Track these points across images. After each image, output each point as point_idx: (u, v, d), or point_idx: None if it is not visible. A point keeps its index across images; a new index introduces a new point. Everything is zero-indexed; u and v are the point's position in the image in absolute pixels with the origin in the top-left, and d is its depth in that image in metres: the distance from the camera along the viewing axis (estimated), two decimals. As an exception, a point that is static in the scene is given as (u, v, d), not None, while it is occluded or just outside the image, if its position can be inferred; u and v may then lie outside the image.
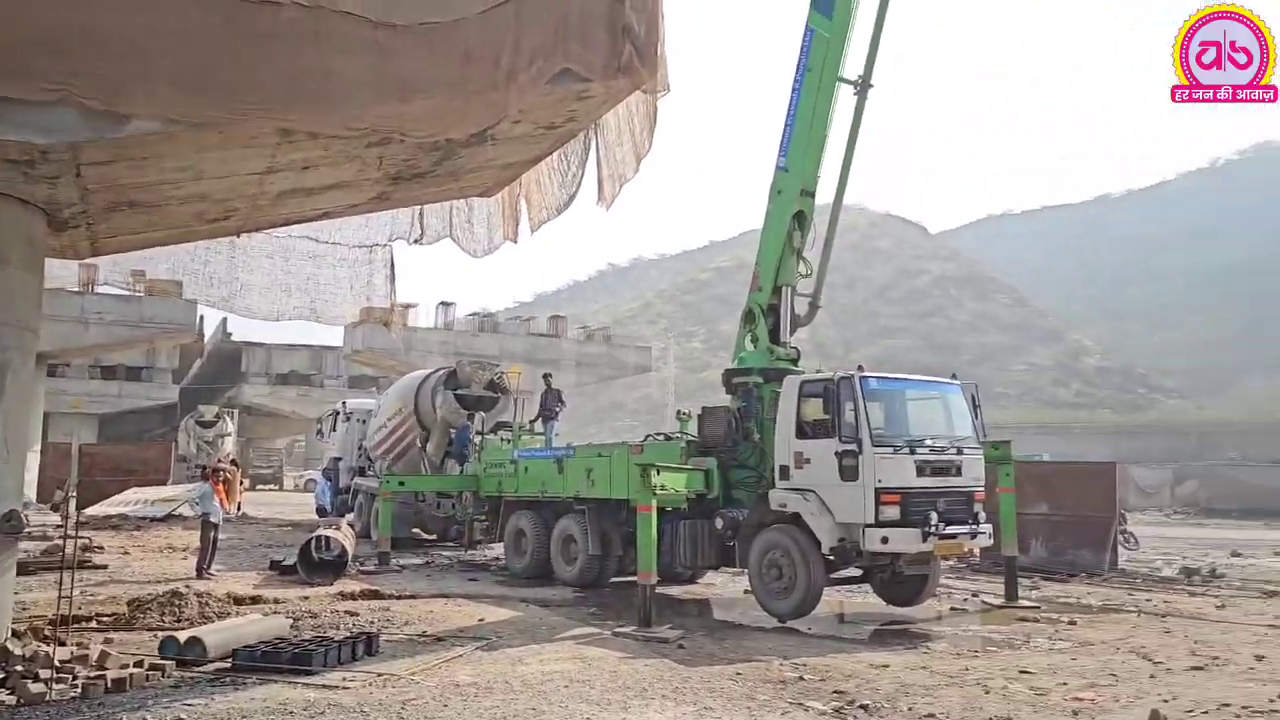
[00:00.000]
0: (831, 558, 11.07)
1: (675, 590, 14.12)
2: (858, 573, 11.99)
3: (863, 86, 13.36)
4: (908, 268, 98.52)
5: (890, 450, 10.93)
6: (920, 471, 11.09)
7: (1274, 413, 55.26)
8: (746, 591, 12.53)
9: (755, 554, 11.68)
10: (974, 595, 13.57)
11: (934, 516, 10.86)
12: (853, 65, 13.31)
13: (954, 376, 12.75)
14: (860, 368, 11.58)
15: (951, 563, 14.47)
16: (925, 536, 10.80)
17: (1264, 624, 11.19)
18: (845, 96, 13.32)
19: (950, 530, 11.07)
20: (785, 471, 11.66)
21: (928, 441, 11.39)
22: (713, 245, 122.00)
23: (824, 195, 13.56)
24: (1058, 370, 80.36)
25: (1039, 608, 12.35)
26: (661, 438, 14.37)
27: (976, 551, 12.73)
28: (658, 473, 11.31)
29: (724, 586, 14.82)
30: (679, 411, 15.47)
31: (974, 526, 11.49)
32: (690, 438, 13.64)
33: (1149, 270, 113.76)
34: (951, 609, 12.61)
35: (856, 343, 76.60)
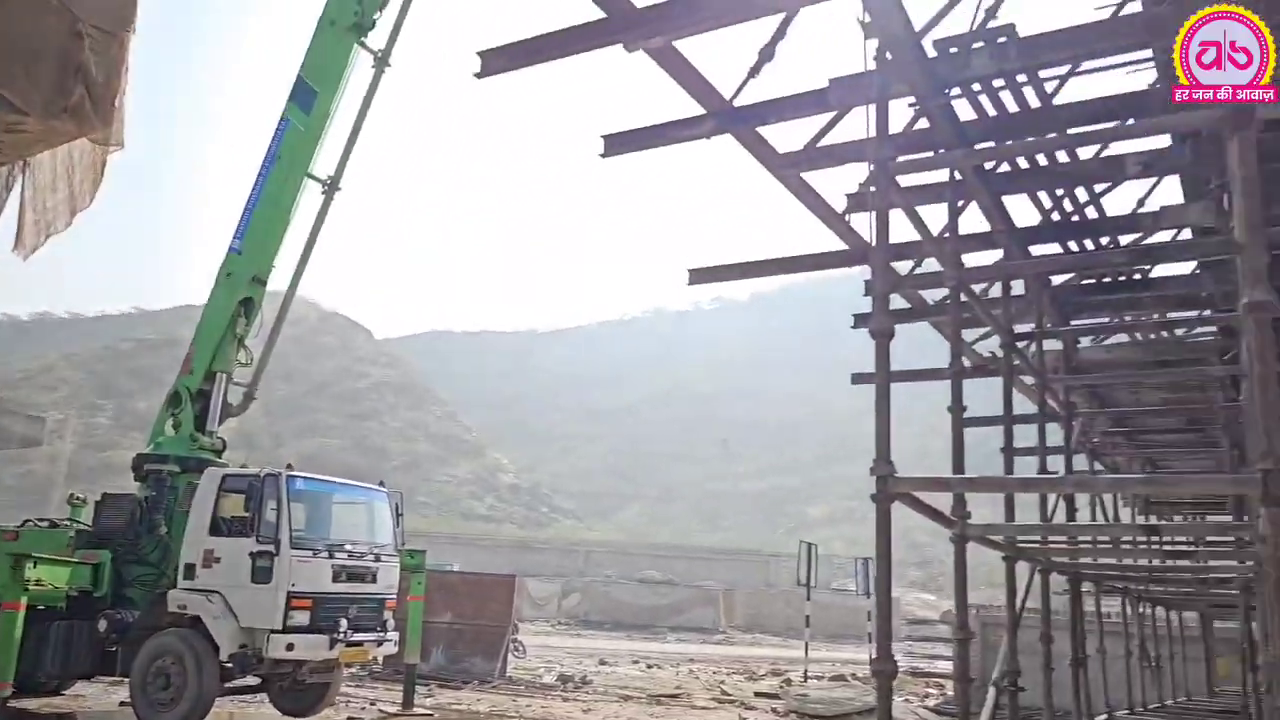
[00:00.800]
0: (229, 665, 10.45)
1: (33, 703, 12.13)
2: (256, 681, 11.43)
3: (331, 187, 13.53)
4: (350, 369, 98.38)
5: (309, 553, 10.79)
6: (336, 577, 11.08)
7: (645, 536, 64.20)
8: (124, 703, 11.25)
9: (142, 660, 10.60)
10: (371, 704, 13.62)
11: (344, 623, 10.86)
12: (325, 164, 13.46)
13: (382, 483, 13.05)
14: (289, 466, 11.36)
15: (354, 669, 14.42)
16: (333, 643, 10.74)
17: (619, 725, 12.80)
18: (313, 192, 13.39)
19: (358, 637, 11.13)
20: (191, 570, 10.87)
21: (348, 546, 11.44)
22: (140, 314, 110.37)
23: (274, 283, 13.33)
24: (476, 484, 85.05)
25: (432, 715, 12.78)
26: (45, 524, 12.53)
27: (380, 659, 12.87)
28: (34, 564, 9.85)
29: (96, 698, 13.11)
30: (72, 495, 13.64)
31: (382, 634, 11.69)
32: (83, 526, 12.11)
33: (561, 402, 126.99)
34: (349, 718, 12.52)
35: (287, 437, 73.91)
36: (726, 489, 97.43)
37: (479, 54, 5.37)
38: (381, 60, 13.71)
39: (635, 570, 48.92)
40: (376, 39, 13.63)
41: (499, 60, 5.32)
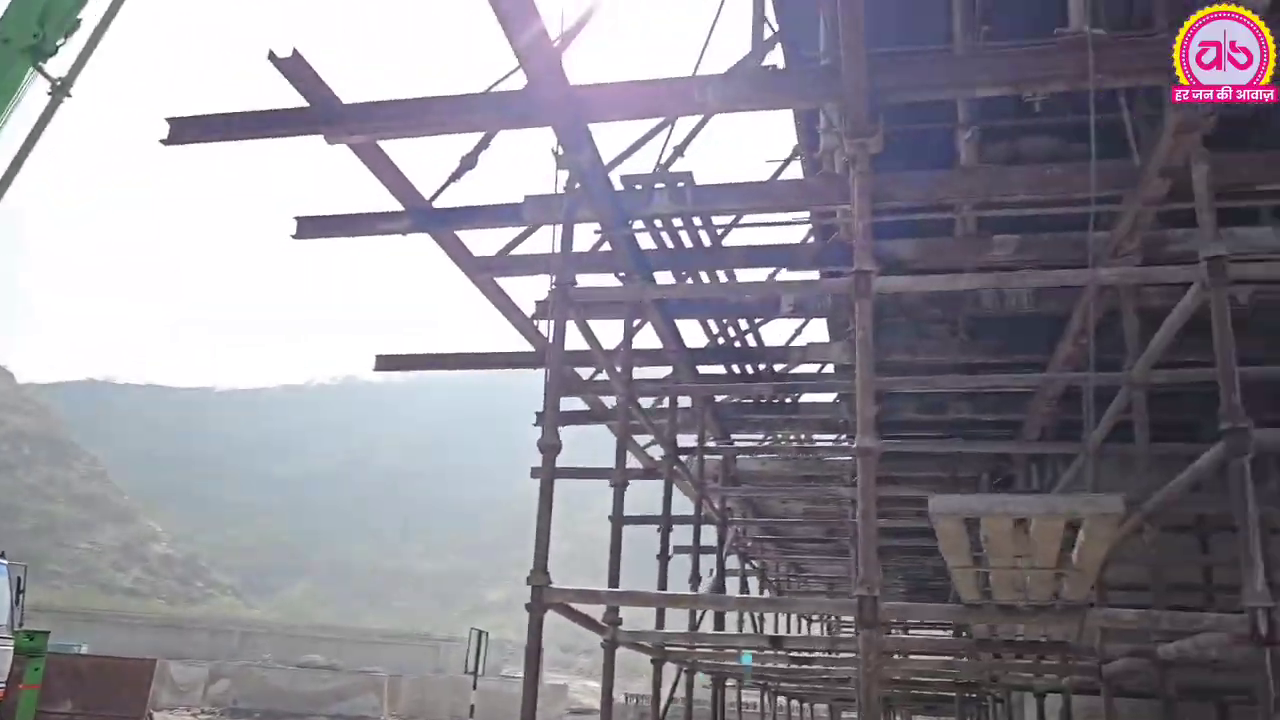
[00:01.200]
0: None
1: None
2: None
3: (-18, 217, 12.15)
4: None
5: (-105, 635, 9.32)
6: (-72, 663, 9.63)
7: (311, 616, 60.48)
8: None
9: None
10: (-43, 811, 11.80)
11: (-69, 717, 9.42)
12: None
13: (3, 555, 11.64)
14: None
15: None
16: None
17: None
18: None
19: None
20: None
21: (-52, 627, 10.01)
22: None
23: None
24: (121, 553, 76.64)
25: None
26: None
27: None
28: None
29: None
30: None
31: (-21, 729, 10.25)
32: None
33: (232, 467, 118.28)
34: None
35: (-116, 489, 63.05)
36: (403, 568, 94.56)
37: (168, 120, 5.17)
38: (61, 89, 12.60)
39: (297, 653, 45.87)
40: (58, 66, 12.55)
41: (189, 131, 5.15)
